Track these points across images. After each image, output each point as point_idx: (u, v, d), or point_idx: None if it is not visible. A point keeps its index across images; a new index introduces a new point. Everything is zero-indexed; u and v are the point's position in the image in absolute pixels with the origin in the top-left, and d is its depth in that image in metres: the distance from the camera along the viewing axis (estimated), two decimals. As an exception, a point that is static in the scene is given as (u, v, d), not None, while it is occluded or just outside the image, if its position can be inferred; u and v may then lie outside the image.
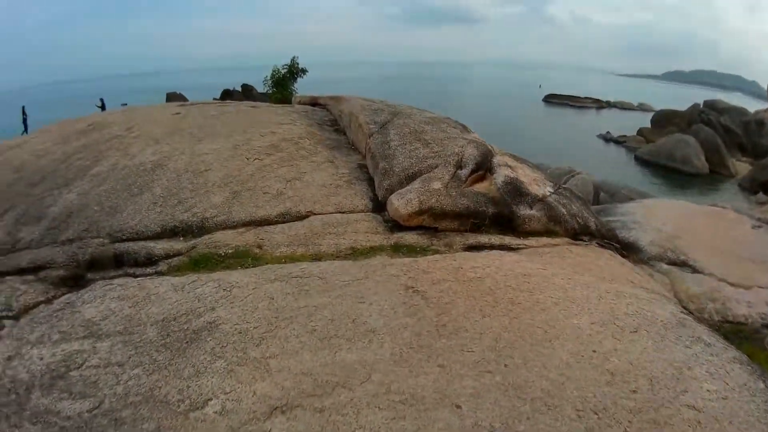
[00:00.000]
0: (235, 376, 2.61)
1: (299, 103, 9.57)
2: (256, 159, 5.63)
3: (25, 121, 20.55)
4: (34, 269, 4.20)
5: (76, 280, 4.08)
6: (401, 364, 2.66)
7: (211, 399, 2.48)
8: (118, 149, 6.23)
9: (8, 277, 4.18)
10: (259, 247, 4.17)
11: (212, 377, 2.61)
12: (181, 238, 4.40)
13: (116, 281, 3.83)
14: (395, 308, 3.18)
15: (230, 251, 4.10)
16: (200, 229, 4.46)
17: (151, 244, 4.32)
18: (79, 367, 2.82)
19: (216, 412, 2.40)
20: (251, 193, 4.94)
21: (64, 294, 3.78)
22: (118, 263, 4.22)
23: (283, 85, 22.53)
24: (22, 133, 14.35)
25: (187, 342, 2.91)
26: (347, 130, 6.84)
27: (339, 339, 2.89)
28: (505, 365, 2.63)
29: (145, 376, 2.67)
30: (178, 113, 8.09)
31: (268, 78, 23.02)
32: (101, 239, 4.44)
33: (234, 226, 4.48)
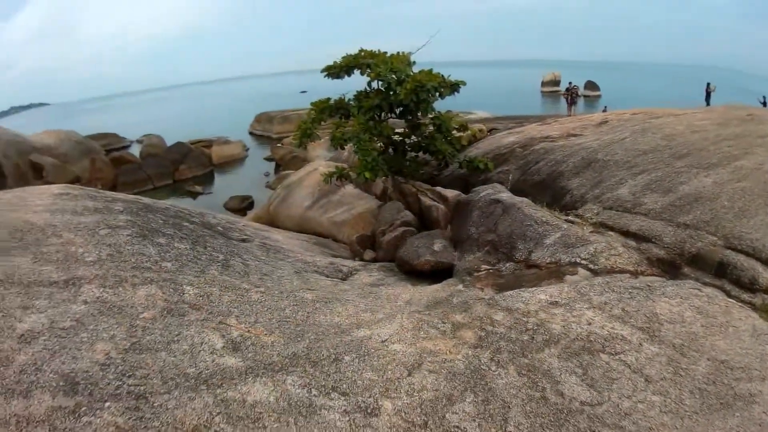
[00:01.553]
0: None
1: None
2: None
3: (708, 96, 21.58)
4: (639, 237, 4.58)
5: (670, 266, 4.07)
6: None
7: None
8: (772, 149, 5.46)
9: (611, 233, 4.71)
10: None
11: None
12: None
13: (706, 290, 3.55)
14: None
15: None
16: None
17: (760, 268, 3.80)
18: (612, 354, 2.81)
19: None
20: None
21: (651, 275, 3.86)
22: (719, 272, 3.95)
23: None
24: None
25: (722, 403, 2.53)
26: None
27: None
28: None
29: (657, 412, 2.45)
30: None
31: None
32: (715, 238, 4.21)
33: None
